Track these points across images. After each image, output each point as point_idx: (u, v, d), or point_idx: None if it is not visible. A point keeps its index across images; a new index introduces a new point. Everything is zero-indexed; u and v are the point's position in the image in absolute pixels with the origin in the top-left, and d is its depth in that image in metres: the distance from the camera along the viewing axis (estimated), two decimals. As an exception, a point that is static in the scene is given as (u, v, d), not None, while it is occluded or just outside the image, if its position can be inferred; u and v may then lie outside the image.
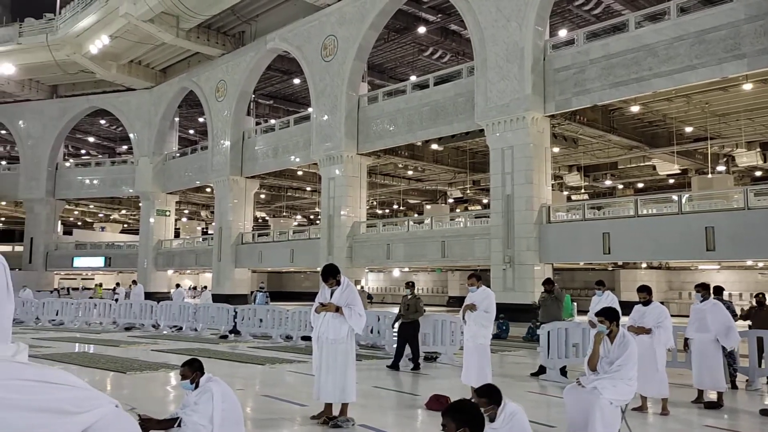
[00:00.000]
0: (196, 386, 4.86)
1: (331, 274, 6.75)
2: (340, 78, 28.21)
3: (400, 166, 34.09)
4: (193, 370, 4.92)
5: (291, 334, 15.54)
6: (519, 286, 21.55)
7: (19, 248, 43.05)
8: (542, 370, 10.23)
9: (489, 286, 8.83)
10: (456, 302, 39.26)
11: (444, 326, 12.04)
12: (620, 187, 36.44)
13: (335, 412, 6.57)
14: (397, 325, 11.87)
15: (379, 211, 47.92)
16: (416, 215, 40.75)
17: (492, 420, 3.80)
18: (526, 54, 21.48)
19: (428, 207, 40.41)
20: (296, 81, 37.14)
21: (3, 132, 49.44)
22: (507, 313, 17.52)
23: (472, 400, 3.57)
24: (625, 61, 19.79)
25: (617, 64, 20.00)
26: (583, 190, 34.41)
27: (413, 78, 30.67)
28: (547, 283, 11.09)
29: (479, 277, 8.09)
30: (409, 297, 11.20)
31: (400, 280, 49.11)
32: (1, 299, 4.43)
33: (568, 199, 32.24)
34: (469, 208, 39.76)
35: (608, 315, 5.71)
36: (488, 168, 23.77)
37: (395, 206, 47.28)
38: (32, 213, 43.77)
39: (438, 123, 25.37)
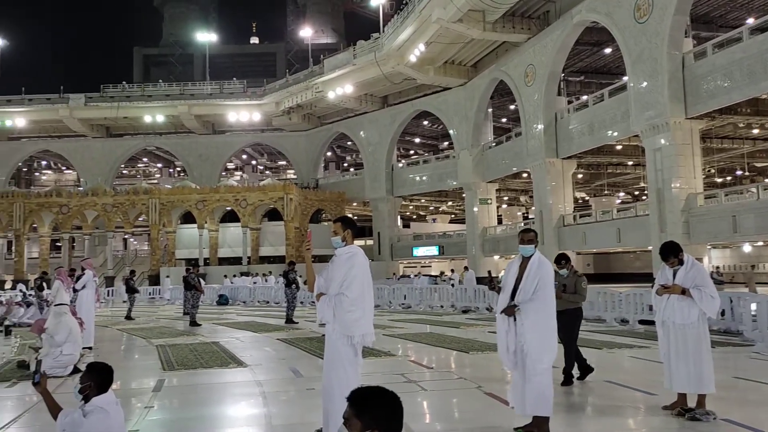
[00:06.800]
0: None
1: (672, 253, 6.22)
2: (658, 38, 25.67)
3: (741, 125, 29.65)
4: None
5: (626, 317, 14.78)
6: None
7: (369, 242, 49.90)
8: None
9: None
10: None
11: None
12: None
13: (690, 403, 6.04)
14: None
15: (719, 180, 42.43)
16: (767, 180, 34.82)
17: None
18: None
19: (784, 169, 34.24)
20: (607, 51, 35.13)
21: (349, 143, 57.99)
22: None
23: None
24: None
25: None
26: None
27: (750, 21, 26.25)
28: None
29: None
30: (566, 275, 8.25)
31: (751, 256, 42.70)
32: (370, 287, 5.28)
33: None
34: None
35: None
36: None
37: (739, 172, 41.25)
38: (377, 210, 50.38)
39: (790, 68, 21.23)
